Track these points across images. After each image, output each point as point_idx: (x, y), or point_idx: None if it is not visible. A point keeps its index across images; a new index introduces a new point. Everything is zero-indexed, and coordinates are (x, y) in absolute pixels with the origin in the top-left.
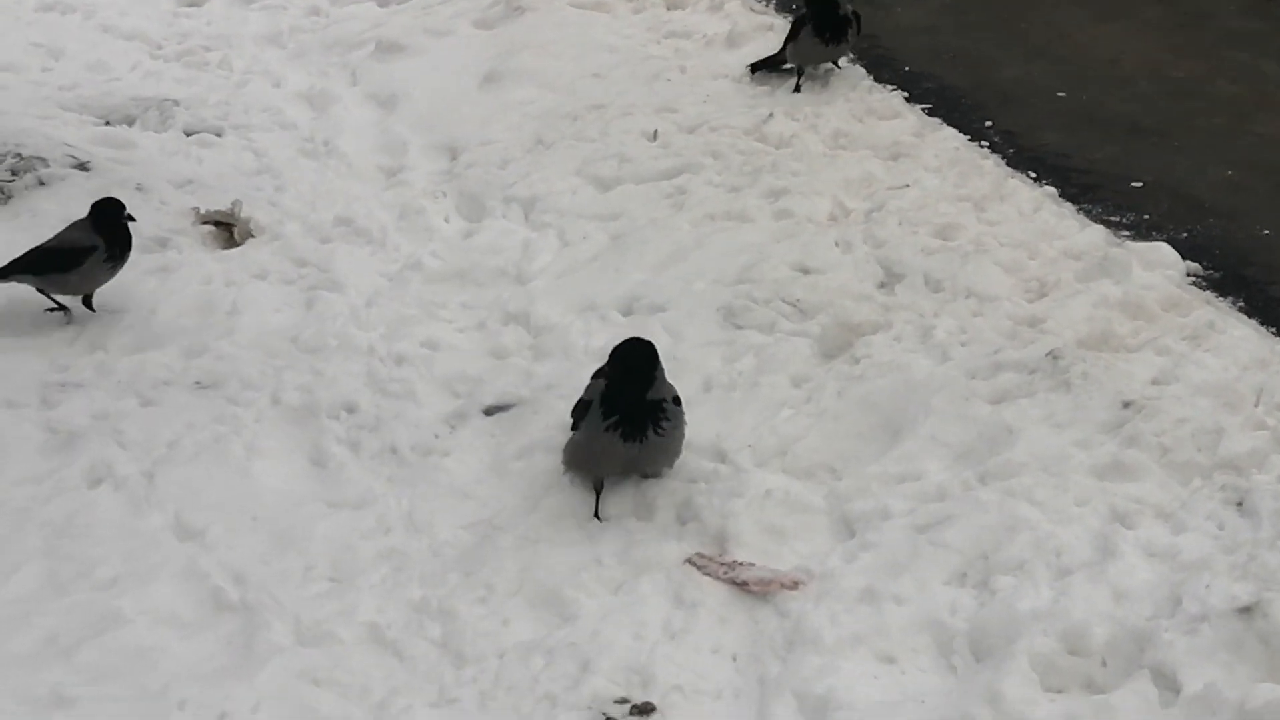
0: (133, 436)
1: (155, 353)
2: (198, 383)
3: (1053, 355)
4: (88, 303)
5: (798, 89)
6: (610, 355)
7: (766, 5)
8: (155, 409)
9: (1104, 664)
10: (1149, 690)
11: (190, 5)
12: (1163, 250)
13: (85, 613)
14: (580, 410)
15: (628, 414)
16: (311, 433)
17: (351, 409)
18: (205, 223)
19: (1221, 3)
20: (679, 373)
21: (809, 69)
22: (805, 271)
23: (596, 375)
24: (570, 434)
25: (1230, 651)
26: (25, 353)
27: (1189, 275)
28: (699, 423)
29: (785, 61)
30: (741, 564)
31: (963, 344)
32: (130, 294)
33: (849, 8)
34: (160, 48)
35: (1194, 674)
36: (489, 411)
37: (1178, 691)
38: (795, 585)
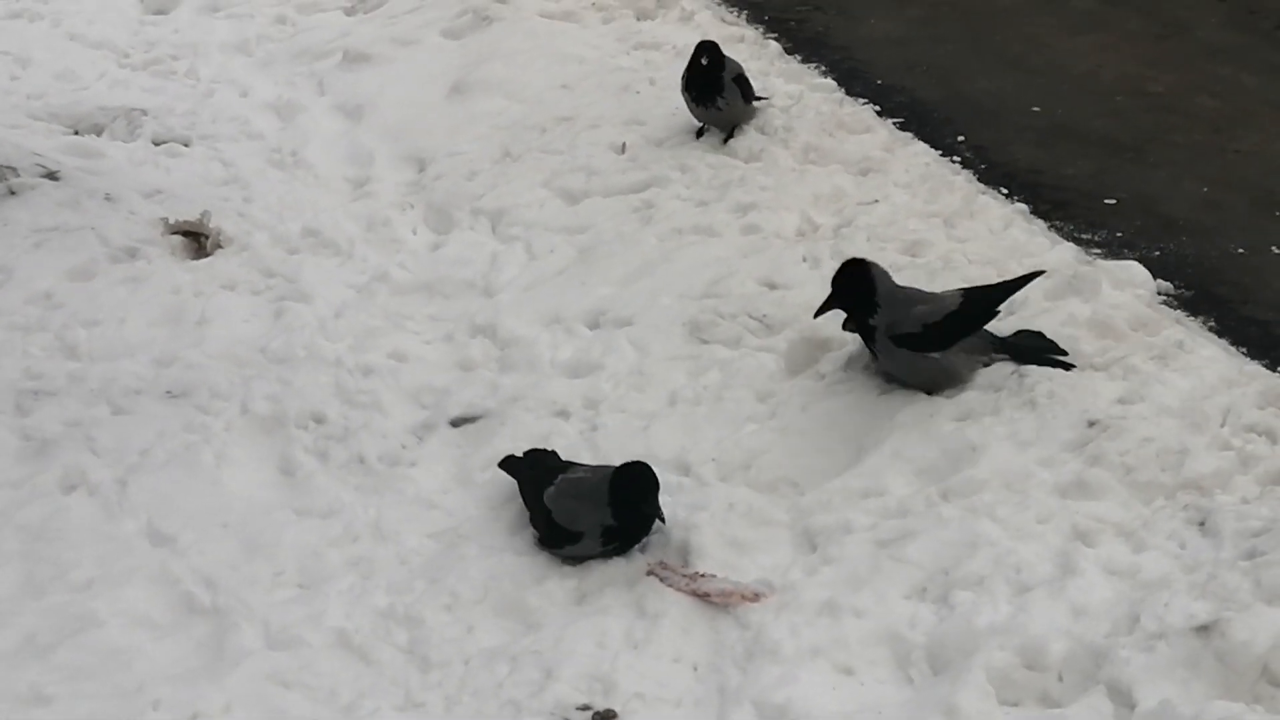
0: (105, 444)
1: (126, 362)
2: (168, 392)
3: (1018, 374)
4: None
5: (698, 135)
6: (620, 477)
7: (738, 16)
8: (127, 417)
9: (1060, 679)
10: (1104, 705)
11: (157, 13)
12: (1133, 269)
13: (62, 614)
14: (553, 530)
15: (630, 536)
16: (280, 442)
17: (319, 419)
18: (174, 233)
19: (1202, 15)
20: (644, 386)
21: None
22: (772, 287)
23: (517, 467)
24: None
25: (1187, 669)
26: None
27: (1160, 294)
28: (664, 436)
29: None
30: (704, 575)
31: None
32: (101, 303)
33: (732, 73)
34: (127, 56)
35: (1149, 690)
36: (455, 423)
37: (1133, 707)
38: (756, 597)
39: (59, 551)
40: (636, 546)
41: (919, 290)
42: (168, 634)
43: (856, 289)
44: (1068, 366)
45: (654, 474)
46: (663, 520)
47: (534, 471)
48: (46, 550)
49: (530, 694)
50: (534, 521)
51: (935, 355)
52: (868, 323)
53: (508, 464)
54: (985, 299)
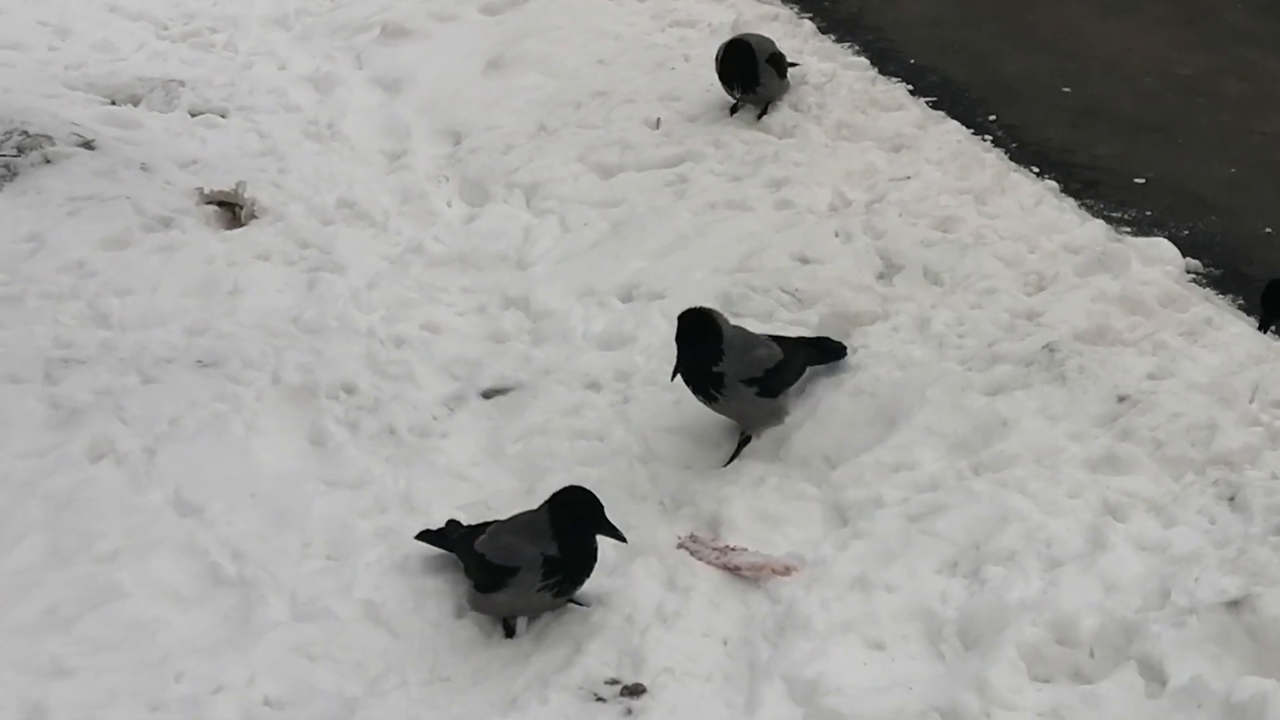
0: (134, 413)
1: (158, 330)
2: (199, 361)
3: (1049, 348)
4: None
5: (732, 111)
6: (559, 501)
7: None
8: (157, 386)
9: (1091, 654)
10: (1135, 681)
11: None
12: (1162, 246)
13: (86, 585)
14: (487, 569)
15: (574, 572)
16: (311, 412)
17: (351, 390)
18: (209, 203)
19: (1229, 0)
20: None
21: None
22: (805, 261)
23: (440, 537)
24: (472, 590)
25: (1217, 644)
26: (29, 328)
27: (1188, 271)
28: (695, 410)
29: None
30: (734, 549)
31: (960, 336)
32: (134, 272)
33: (767, 54)
34: (166, 28)
35: (1181, 666)
36: (487, 394)
37: (1164, 683)
38: (787, 571)
39: (85, 521)
40: (579, 592)
41: (743, 330)
42: (193, 605)
43: (705, 337)
44: (842, 352)
45: (596, 497)
46: (623, 539)
47: (465, 529)
48: (72, 520)
49: (558, 668)
50: (468, 573)
51: (774, 399)
52: (712, 370)
53: (427, 536)
54: (803, 357)
